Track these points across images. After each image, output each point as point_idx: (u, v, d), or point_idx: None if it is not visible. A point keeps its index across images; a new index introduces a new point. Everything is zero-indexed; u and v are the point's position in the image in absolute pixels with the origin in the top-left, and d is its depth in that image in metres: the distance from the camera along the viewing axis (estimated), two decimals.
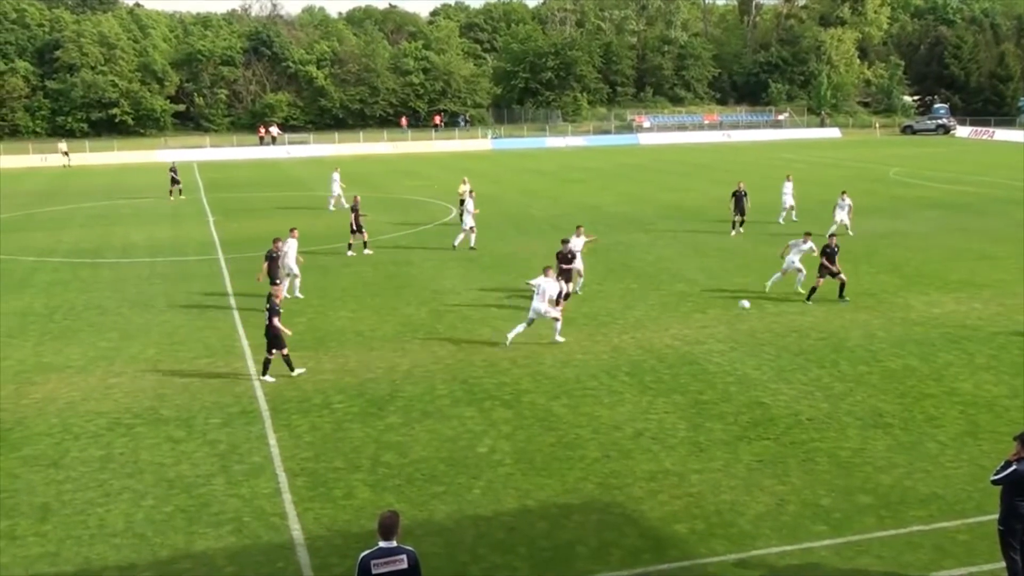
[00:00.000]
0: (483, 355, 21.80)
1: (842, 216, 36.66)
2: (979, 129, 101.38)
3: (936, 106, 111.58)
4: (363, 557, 9.40)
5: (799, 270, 26.81)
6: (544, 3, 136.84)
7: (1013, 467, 11.46)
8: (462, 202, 38.39)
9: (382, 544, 9.42)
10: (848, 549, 12.81)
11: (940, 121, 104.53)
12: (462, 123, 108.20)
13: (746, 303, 25.46)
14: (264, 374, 20.15)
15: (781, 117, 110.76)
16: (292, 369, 20.33)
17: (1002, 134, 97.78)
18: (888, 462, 15.54)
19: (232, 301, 27.73)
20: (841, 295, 26.44)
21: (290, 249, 27.49)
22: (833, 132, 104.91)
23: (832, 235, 27.93)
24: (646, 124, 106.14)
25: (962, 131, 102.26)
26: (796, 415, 17.69)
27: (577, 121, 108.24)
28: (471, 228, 35.02)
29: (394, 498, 14.46)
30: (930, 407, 18.08)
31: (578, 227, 28.89)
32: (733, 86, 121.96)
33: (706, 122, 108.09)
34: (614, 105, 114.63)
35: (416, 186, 57.27)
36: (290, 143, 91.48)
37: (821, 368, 20.50)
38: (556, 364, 21.05)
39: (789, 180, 40.60)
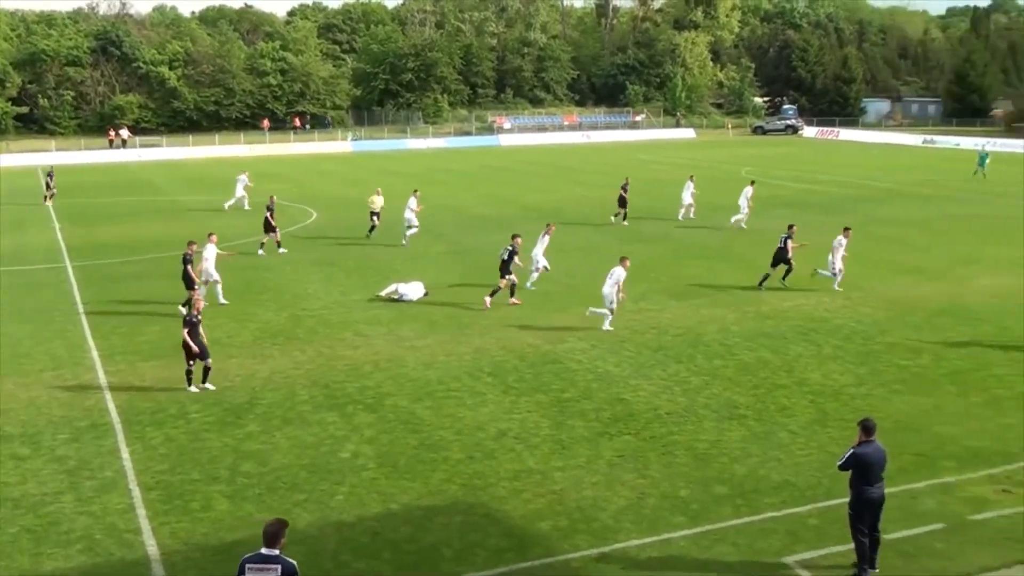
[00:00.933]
0: (345, 360, 21.58)
1: (743, 204, 39.83)
2: (825, 129, 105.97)
3: (785, 107, 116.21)
4: (243, 558, 9.48)
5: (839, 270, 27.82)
6: (403, 4, 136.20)
7: (852, 451, 12.03)
8: (373, 214, 38.32)
9: (263, 551, 9.43)
10: (705, 538, 13.15)
11: (789, 122, 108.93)
12: (328, 124, 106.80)
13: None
14: (198, 383, 19.47)
15: (638, 118, 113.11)
16: (194, 382, 19.54)
17: (846, 134, 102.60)
18: (743, 452, 16.03)
19: (81, 309, 26.79)
20: (784, 277, 28.45)
21: (209, 254, 26.72)
22: (688, 133, 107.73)
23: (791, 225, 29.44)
24: (507, 125, 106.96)
25: (809, 131, 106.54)
26: (655, 410, 18.09)
27: (438, 123, 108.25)
28: (415, 226, 36.29)
29: (254, 508, 14.17)
30: (782, 397, 18.75)
31: (549, 224, 29.70)
32: (592, 88, 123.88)
33: (566, 123, 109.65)
34: (475, 107, 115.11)
35: (275, 189, 56.09)
36: (141, 146, 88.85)
37: (679, 363, 21.03)
38: (419, 367, 21.00)
39: (692, 180, 42.68)
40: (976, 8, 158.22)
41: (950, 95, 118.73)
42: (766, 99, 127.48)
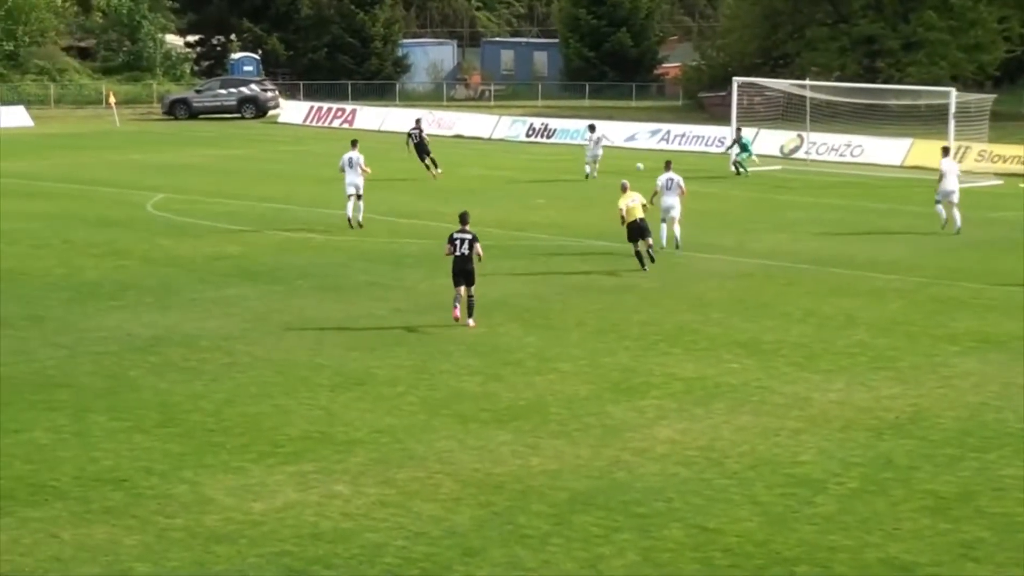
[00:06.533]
0: None
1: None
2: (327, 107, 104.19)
3: (237, 56, 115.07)
4: None
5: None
6: None
7: None
8: None
9: None
10: None
11: (247, 89, 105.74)
12: None
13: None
14: None
15: None
16: None
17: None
18: None
19: None
20: None
21: None
22: (17, 116, 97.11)
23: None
24: None
25: (295, 110, 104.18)
26: None
27: None
28: None
29: None
30: None
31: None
32: None
33: None
34: None
35: None
36: None
37: None
38: None
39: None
40: None
41: None
42: (195, 39, 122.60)
